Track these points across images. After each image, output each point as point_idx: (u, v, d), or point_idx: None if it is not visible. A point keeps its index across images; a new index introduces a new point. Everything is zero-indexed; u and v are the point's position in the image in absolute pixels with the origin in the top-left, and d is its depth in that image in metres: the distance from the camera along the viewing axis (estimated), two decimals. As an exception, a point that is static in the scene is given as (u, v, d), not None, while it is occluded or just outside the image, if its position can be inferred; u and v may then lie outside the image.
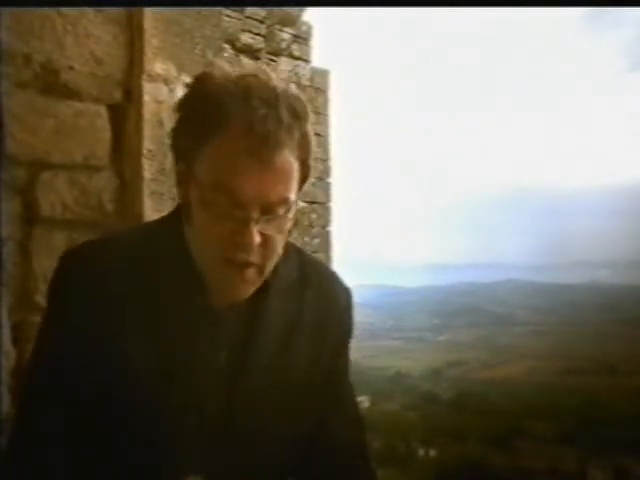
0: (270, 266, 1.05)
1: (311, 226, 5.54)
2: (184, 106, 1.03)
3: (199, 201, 0.99)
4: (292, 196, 1.00)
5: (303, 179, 1.04)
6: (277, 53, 5.37)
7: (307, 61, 5.67)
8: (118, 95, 1.91)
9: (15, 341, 1.73)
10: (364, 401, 37.99)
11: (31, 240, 1.78)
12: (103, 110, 1.89)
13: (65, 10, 1.82)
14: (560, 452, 34.01)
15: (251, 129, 0.94)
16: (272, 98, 0.96)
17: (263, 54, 5.18)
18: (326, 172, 5.59)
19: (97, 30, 1.87)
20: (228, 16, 4.57)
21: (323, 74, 5.91)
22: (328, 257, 5.70)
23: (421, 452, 36.63)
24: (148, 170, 1.86)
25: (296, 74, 5.43)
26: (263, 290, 1.08)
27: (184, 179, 1.03)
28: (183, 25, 1.95)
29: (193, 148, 0.99)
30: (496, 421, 38.46)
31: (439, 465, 32.37)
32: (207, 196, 0.97)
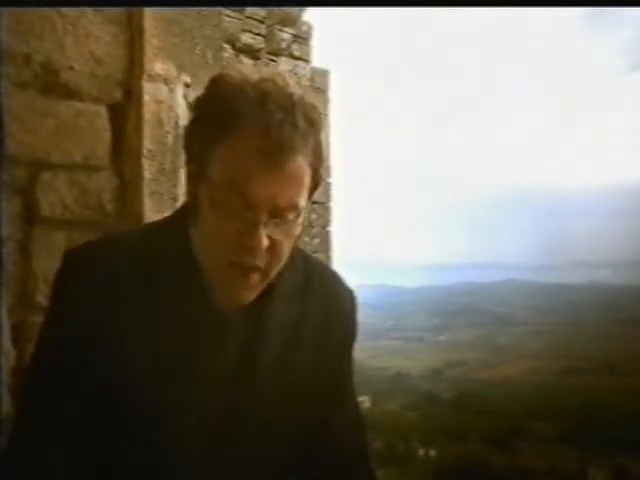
0: (275, 271, 1.05)
1: (311, 226, 5.55)
2: (198, 107, 1.03)
3: (210, 201, 0.99)
4: (302, 202, 1.00)
5: (314, 187, 1.04)
6: (277, 53, 5.38)
7: (307, 61, 5.68)
8: (118, 95, 1.91)
9: (15, 341, 1.73)
10: (365, 402, 37.96)
11: (31, 240, 1.78)
12: (103, 110, 1.89)
13: (65, 10, 1.82)
14: (560, 452, 34.01)
15: (267, 132, 0.94)
16: (288, 104, 0.96)
17: (263, 54, 5.18)
18: (326, 172, 5.59)
19: (97, 30, 1.87)
20: (228, 16, 4.58)
21: (323, 74, 5.91)
22: (328, 257, 5.71)
23: (421, 452, 36.61)
24: (148, 170, 1.86)
25: (296, 74, 5.43)
26: (268, 293, 1.08)
27: (195, 180, 1.03)
28: (183, 25, 1.95)
29: (207, 149, 0.99)
30: (496, 421, 38.45)
31: (439, 465, 32.37)
32: (219, 196, 0.97)
